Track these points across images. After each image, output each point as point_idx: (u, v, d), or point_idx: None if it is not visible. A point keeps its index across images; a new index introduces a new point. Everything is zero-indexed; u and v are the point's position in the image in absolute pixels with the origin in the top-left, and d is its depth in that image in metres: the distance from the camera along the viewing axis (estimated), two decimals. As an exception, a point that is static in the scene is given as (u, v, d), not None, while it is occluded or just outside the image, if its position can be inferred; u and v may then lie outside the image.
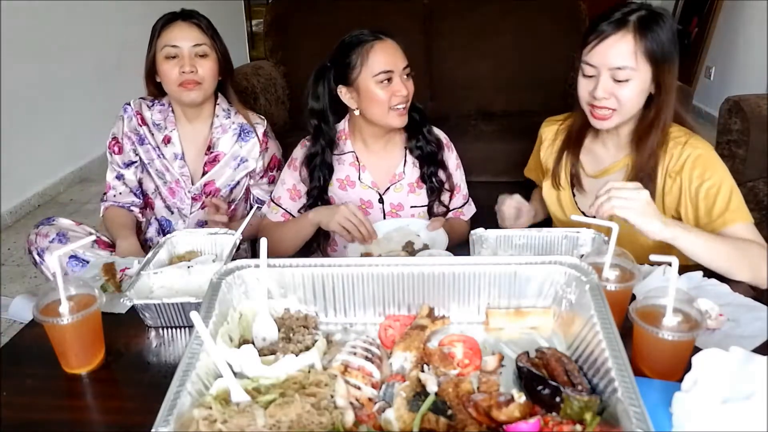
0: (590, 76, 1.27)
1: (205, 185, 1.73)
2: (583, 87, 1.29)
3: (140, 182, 1.80)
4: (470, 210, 1.71)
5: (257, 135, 1.73)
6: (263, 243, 0.95)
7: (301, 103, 3.10)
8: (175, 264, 1.19)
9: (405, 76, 1.49)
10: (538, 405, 0.76)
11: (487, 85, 2.97)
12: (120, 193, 1.78)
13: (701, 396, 0.72)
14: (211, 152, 1.72)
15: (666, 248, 1.18)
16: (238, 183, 1.76)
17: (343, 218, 1.40)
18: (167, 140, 1.71)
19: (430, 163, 1.60)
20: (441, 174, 1.61)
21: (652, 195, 1.28)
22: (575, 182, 1.46)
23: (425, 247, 1.40)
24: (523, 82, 2.99)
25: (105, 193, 1.80)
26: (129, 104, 1.74)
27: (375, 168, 1.61)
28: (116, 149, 1.75)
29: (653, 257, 0.91)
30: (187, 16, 1.63)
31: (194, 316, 0.77)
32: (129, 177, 1.77)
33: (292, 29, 3.07)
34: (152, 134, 1.72)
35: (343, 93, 1.52)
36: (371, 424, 0.76)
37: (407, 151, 1.61)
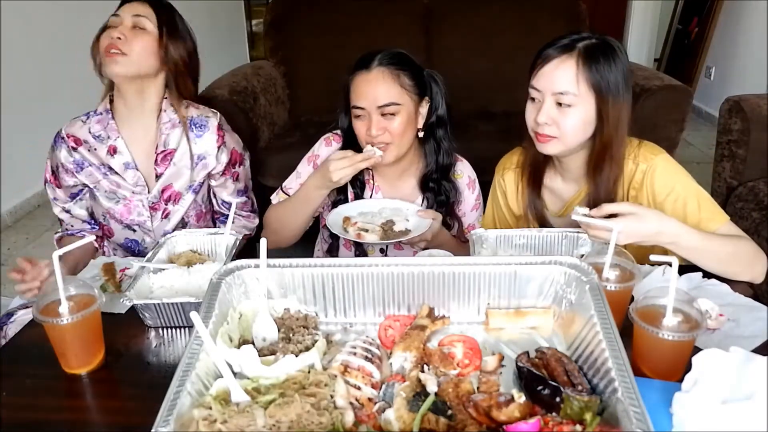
0: (535, 101, 1.26)
1: (162, 191, 1.56)
2: (529, 112, 1.28)
3: (90, 211, 1.64)
4: None
5: (210, 128, 1.57)
6: (263, 243, 0.95)
7: (301, 103, 3.09)
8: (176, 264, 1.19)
9: (383, 116, 1.38)
10: (538, 405, 0.76)
11: (487, 85, 2.97)
12: (72, 225, 1.62)
13: (701, 396, 0.72)
14: (161, 150, 1.54)
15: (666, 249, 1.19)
16: (201, 185, 1.60)
17: (337, 173, 1.35)
18: (113, 150, 1.52)
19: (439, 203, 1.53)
20: (447, 187, 1.53)
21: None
22: (543, 222, 1.43)
23: (405, 231, 1.38)
24: (523, 82, 2.98)
25: (61, 225, 1.65)
26: (59, 133, 1.55)
27: (389, 193, 1.55)
28: (55, 183, 1.58)
29: (653, 257, 0.91)
30: None
31: (194, 316, 0.77)
32: (77, 211, 1.61)
33: (292, 29, 3.07)
34: (93, 150, 1.53)
35: None
36: (371, 424, 0.76)
37: (421, 188, 1.54)
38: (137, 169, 1.53)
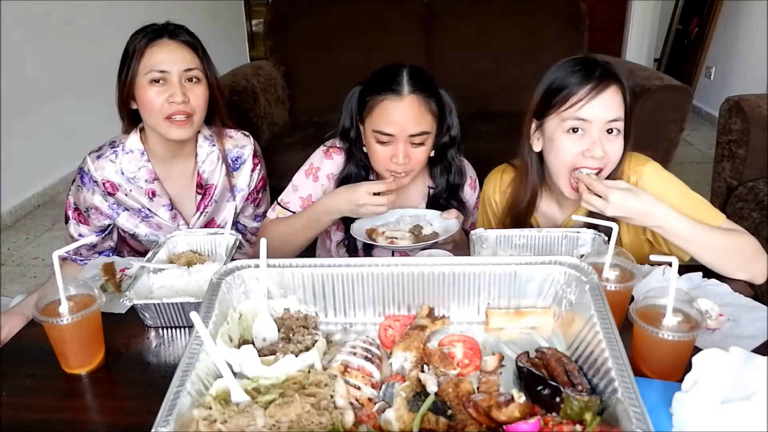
0: (577, 135, 1.20)
1: (205, 226, 1.55)
2: (569, 148, 1.20)
3: (116, 246, 1.58)
4: None
5: (247, 159, 1.55)
6: (263, 243, 0.95)
7: (301, 103, 3.08)
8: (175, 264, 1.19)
9: (412, 144, 1.33)
10: (538, 405, 0.76)
11: (487, 85, 2.98)
12: (80, 253, 1.52)
13: (701, 396, 0.72)
14: (202, 188, 1.52)
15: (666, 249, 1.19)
16: (238, 213, 1.60)
17: (369, 208, 1.30)
18: (151, 194, 1.47)
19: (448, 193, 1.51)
20: (456, 207, 1.50)
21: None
22: None
23: (434, 234, 1.36)
24: (523, 82, 2.98)
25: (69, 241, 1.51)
26: (84, 170, 1.44)
27: (393, 202, 1.51)
28: (81, 219, 1.50)
29: (653, 257, 0.91)
30: (174, 33, 1.37)
31: (194, 316, 0.77)
32: (103, 244, 1.54)
33: (292, 29, 3.08)
34: (129, 193, 1.46)
35: (362, 127, 1.42)
36: (371, 424, 0.76)
37: (429, 191, 1.52)
38: (177, 210, 1.51)
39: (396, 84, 1.32)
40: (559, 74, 1.23)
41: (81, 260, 1.52)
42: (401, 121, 1.32)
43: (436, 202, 1.51)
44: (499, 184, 1.46)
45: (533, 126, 1.29)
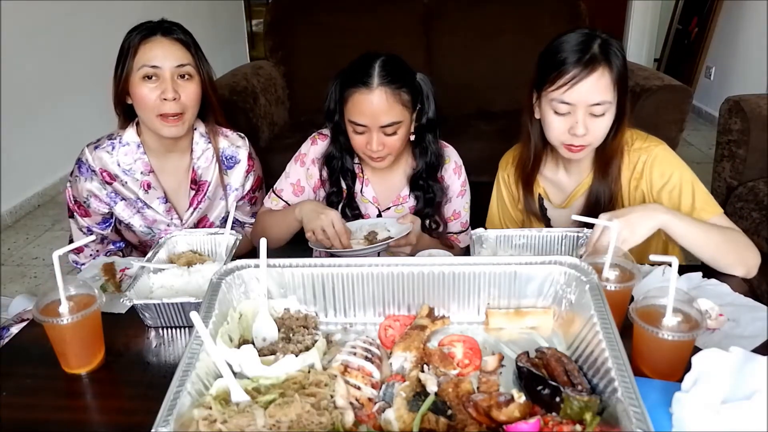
0: (564, 114, 1.25)
1: (198, 222, 1.58)
2: (557, 126, 1.27)
3: (117, 231, 1.60)
4: (467, 240, 1.60)
5: (242, 160, 1.57)
6: (263, 243, 0.95)
7: (301, 103, 3.08)
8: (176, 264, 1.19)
9: (385, 134, 1.38)
10: (538, 405, 0.76)
11: (487, 85, 2.98)
12: (97, 251, 1.56)
13: (701, 396, 0.72)
14: (196, 184, 1.54)
15: (665, 248, 1.19)
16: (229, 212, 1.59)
17: (318, 228, 1.33)
18: (147, 186, 1.49)
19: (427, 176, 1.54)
20: (435, 188, 1.54)
21: (617, 207, 1.31)
22: (544, 213, 1.46)
23: (388, 237, 1.38)
24: (523, 82, 2.98)
25: (77, 250, 1.54)
26: (82, 161, 1.47)
27: (379, 185, 1.57)
28: (82, 212, 1.52)
29: (653, 257, 0.91)
30: (167, 30, 1.39)
31: (194, 316, 0.77)
32: (110, 235, 1.57)
33: (292, 29, 3.07)
34: (125, 184, 1.49)
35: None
36: (371, 424, 0.76)
37: (410, 187, 1.55)
38: (171, 203, 1.53)
39: (367, 76, 1.35)
40: (564, 45, 1.25)
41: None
42: (371, 112, 1.36)
43: (416, 183, 1.55)
44: (512, 160, 1.50)
45: (534, 96, 1.33)
